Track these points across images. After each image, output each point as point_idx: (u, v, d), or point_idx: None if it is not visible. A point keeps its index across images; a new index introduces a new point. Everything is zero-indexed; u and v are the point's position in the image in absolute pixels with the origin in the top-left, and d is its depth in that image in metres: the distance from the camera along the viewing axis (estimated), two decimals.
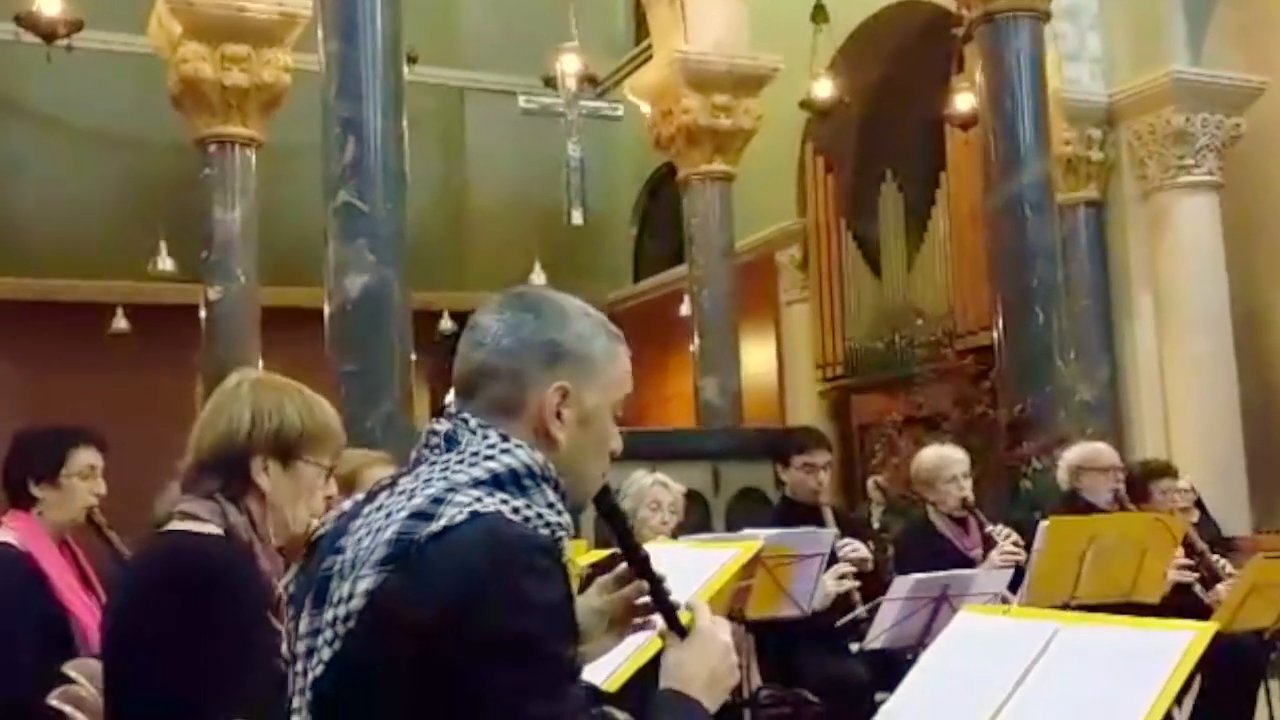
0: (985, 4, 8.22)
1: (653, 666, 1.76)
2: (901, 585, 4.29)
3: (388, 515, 1.53)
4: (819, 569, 4.37)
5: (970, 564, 4.85)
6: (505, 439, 1.60)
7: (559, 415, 1.64)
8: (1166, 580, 4.76)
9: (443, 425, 1.64)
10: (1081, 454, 5.54)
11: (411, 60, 8.11)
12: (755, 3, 11.33)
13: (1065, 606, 4.03)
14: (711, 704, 1.68)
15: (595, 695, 1.82)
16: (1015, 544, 4.83)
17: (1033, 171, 8.06)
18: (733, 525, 6.63)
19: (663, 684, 1.68)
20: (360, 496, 1.66)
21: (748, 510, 6.84)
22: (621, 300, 15.80)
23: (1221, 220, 10.01)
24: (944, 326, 11.88)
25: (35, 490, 3.34)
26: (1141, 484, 5.59)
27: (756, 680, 4.52)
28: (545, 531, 1.56)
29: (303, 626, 1.57)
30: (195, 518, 2.18)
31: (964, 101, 10.24)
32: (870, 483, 10.33)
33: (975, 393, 8.87)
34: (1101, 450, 5.59)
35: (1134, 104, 10.30)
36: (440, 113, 15.05)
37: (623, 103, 11.32)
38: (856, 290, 13.19)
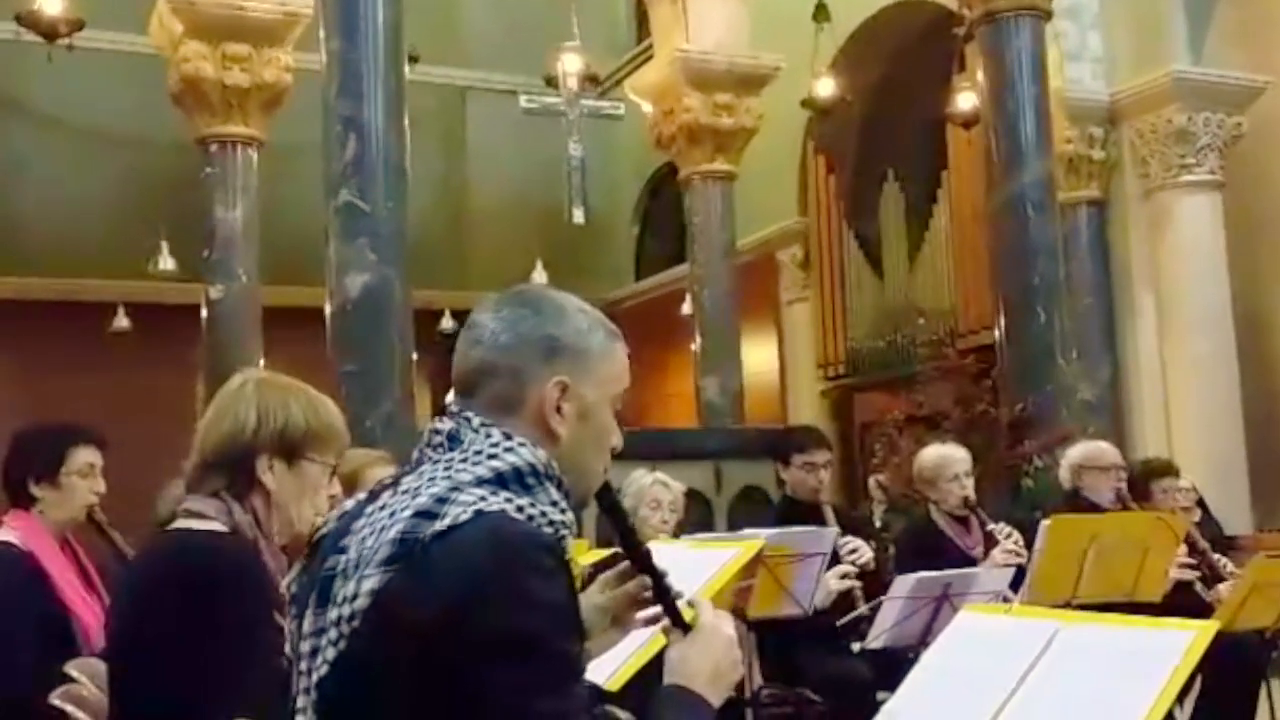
0: (986, 3, 8.22)
1: (653, 666, 1.77)
2: (903, 584, 4.28)
3: (392, 514, 1.53)
4: (820, 568, 4.37)
5: (972, 563, 4.85)
6: (508, 437, 1.60)
7: (559, 410, 1.64)
8: (1168, 579, 4.76)
9: (445, 424, 1.65)
10: (1083, 453, 5.54)
11: (413, 59, 8.10)
12: (756, 2, 11.33)
13: (1066, 606, 4.03)
14: (716, 699, 1.69)
15: (597, 695, 1.83)
16: (1016, 543, 4.82)
17: (1034, 170, 8.07)
18: (734, 524, 6.63)
19: (667, 679, 1.69)
20: (363, 496, 1.66)
21: (749, 509, 6.83)
22: (623, 299, 15.80)
23: (1223, 219, 10.01)
24: (945, 325, 11.89)
25: (35, 489, 3.34)
26: (1143, 483, 5.59)
27: (758, 679, 4.52)
28: (549, 530, 1.56)
29: (306, 626, 1.57)
30: (201, 516, 2.19)
31: (965, 101, 10.24)
32: (872, 481, 10.33)
33: (977, 392, 8.86)
34: (1104, 449, 5.59)
35: (1135, 103, 10.30)
36: (441, 112, 15.05)
37: (624, 102, 11.31)
38: (858, 289, 13.19)
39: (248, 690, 2.01)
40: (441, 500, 1.51)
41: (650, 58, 12.34)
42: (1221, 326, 9.80)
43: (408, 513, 1.51)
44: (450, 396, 1.73)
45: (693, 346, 11.03)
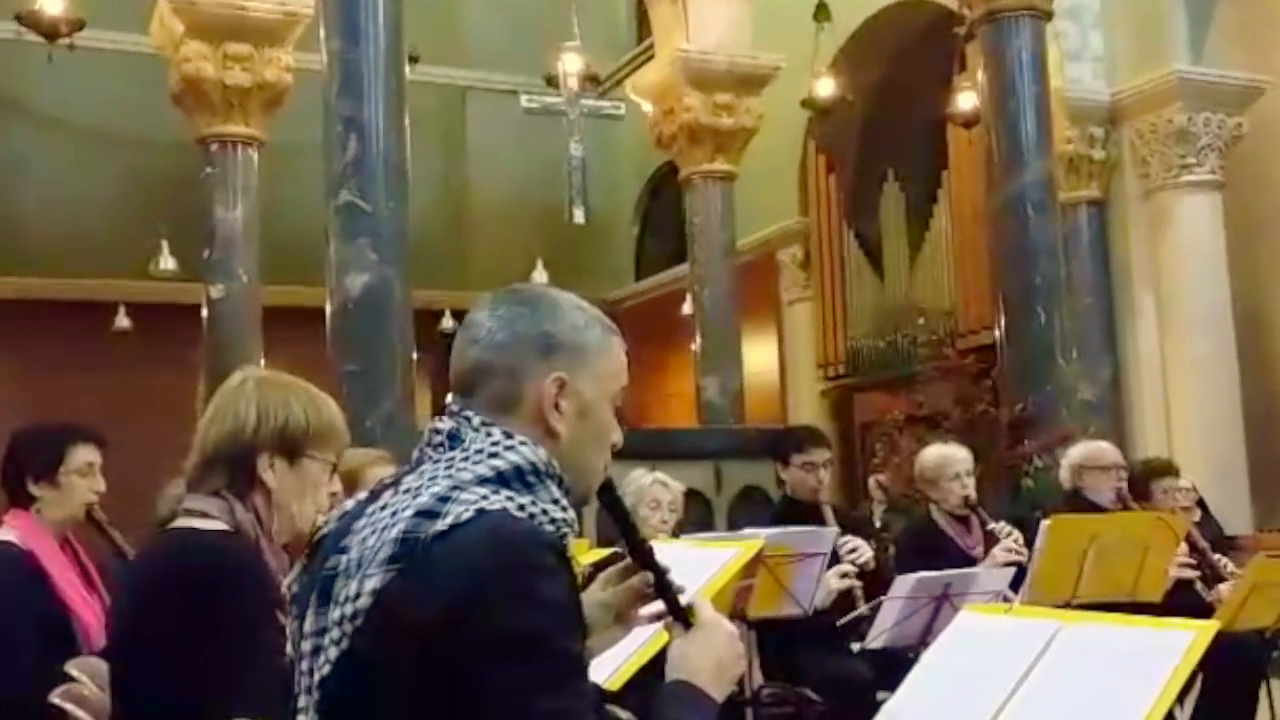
0: (987, 3, 8.22)
1: (653, 665, 1.77)
2: (903, 584, 4.28)
3: (393, 514, 1.53)
4: (821, 568, 4.37)
5: (972, 563, 4.85)
6: (509, 436, 1.60)
7: (557, 407, 1.64)
8: (1168, 579, 4.76)
9: (446, 423, 1.64)
10: (1084, 453, 5.54)
11: (413, 59, 8.11)
12: (757, 1, 11.33)
13: (1067, 606, 4.03)
14: (719, 694, 1.69)
15: (598, 694, 1.83)
16: (1016, 541, 4.82)
17: (1035, 170, 8.07)
18: (734, 524, 6.64)
19: (669, 675, 1.69)
20: (363, 495, 1.66)
21: (749, 509, 6.84)
22: (623, 299, 15.80)
23: (1223, 219, 10.01)
24: (946, 325, 11.90)
25: (34, 489, 3.33)
26: (1143, 483, 5.59)
27: (758, 679, 4.52)
28: (551, 528, 1.56)
29: (308, 625, 1.58)
30: (202, 515, 2.19)
31: (966, 100, 10.24)
32: (872, 481, 10.33)
33: (977, 391, 8.85)
34: (1104, 449, 5.58)
35: (1136, 103, 10.30)
36: (442, 112, 15.05)
37: (624, 102, 11.32)
38: (858, 289, 13.19)
39: (249, 689, 2.01)
40: (443, 499, 1.51)
41: (651, 58, 12.34)
42: (1222, 326, 9.80)
43: (409, 512, 1.51)
44: (450, 396, 1.73)
45: (693, 346, 11.03)
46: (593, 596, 1.87)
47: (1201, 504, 7.00)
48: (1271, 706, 4.97)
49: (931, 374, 9.80)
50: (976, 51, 8.72)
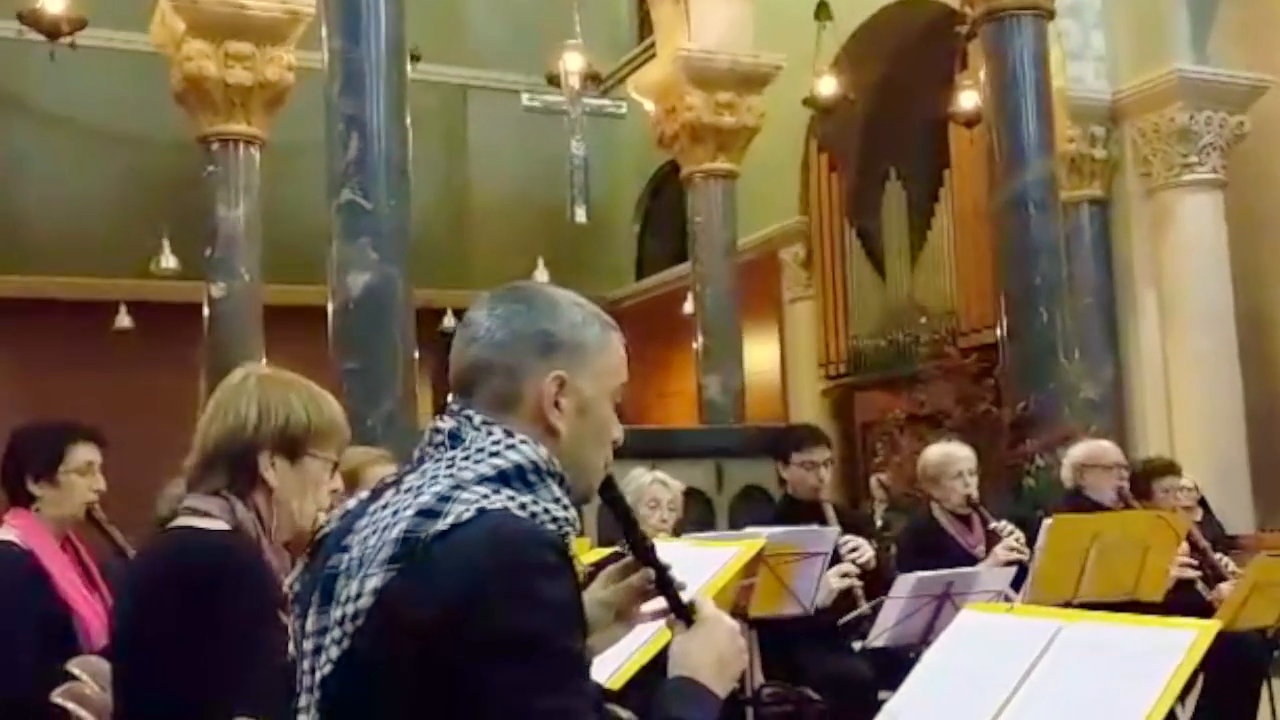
0: (989, 2, 8.21)
1: (654, 664, 1.76)
2: (904, 583, 4.28)
3: (394, 513, 1.53)
4: (822, 567, 4.37)
5: (973, 561, 4.85)
6: (510, 435, 1.60)
7: (557, 405, 1.64)
8: (1169, 579, 4.75)
9: (446, 423, 1.64)
10: (1086, 452, 5.54)
11: (415, 58, 8.11)
12: (759, 0, 11.33)
13: (1068, 605, 4.02)
14: (721, 689, 1.69)
15: (599, 693, 1.82)
16: (1018, 540, 4.82)
17: (1036, 169, 8.06)
18: (735, 523, 6.64)
19: (671, 672, 1.69)
20: (364, 495, 1.65)
21: (750, 508, 6.84)
22: (624, 298, 15.80)
23: (1225, 218, 10.00)
24: (947, 324, 11.89)
25: (34, 488, 3.33)
26: (1144, 482, 5.59)
27: (759, 678, 4.52)
28: (552, 527, 1.56)
29: (309, 625, 1.57)
30: (203, 514, 2.18)
31: (968, 99, 10.23)
32: (873, 480, 10.33)
33: (978, 391, 8.85)
34: (1106, 448, 5.58)
35: (1138, 102, 10.29)
36: (443, 110, 15.04)
37: (626, 100, 11.33)
38: (860, 288, 13.18)
39: (250, 689, 2.01)
40: (444, 499, 1.51)
41: (652, 56, 12.35)
42: (1223, 325, 9.79)
43: (410, 511, 1.51)
44: (451, 395, 1.73)
45: (694, 345, 11.03)
46: (594, 594, 1.86)
47: (1203, 503, 6.99)
48: (1273, 706, 4.97)
49: (933, 373, 9.79)
50: (978, 50, 8.72)
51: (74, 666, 2.84)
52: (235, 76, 9.12)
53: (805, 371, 13.77)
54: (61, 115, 13.42)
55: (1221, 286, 9.87)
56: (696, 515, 6.36)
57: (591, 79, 10.51)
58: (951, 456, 5.15)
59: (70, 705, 2.69)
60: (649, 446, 5.86)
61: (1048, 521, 4.52)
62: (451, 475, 1.55)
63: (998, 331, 8.27)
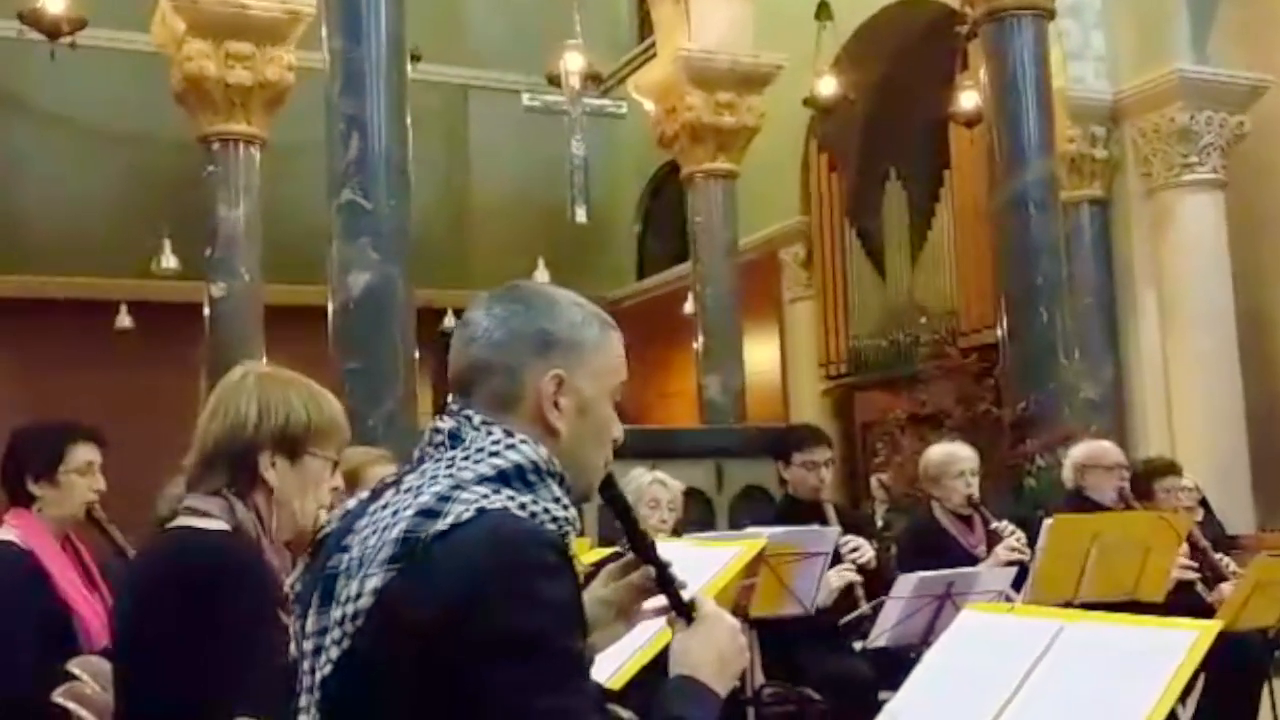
0: (989, 2, 8.21)
1: (654, 664, 1.76)
2: (905, 583, 4.28)
3: (394, 513, 1.53)
4: (823, 567, 4.37)
5: (974, 562, 4.85)
6: (509, 435, 1.60)
7: (556, 404, 1.64)
8: (1170, 579, 4.75)
9: (446, 423, 1.64)
10: (1087, 452, 5.54)
11: (415, 58, 8.11)
12: (759, 0, 11.33)
13: (1069, 605, 4.02)
14: (722, 687, 1.68)
15: (600, 693, 1.82)
16: (1019, 540, 4.82)
17: (1037, 169, 8.06)
18: (736, 523, 6.64)
19: (672, 670, 1.68)
20: (365, 495, 1.65)
21: (751, 508, 6.84)
22: (625, 298, 15.80)
23: (1225, 218, 10.00)
24: (948, 324, 11.88)
25: (34, 488, 3.32)
26: (1145, 482, 5.58)
27: (760, 678, 4.52)
28: (552, 526, 1.56)
29: (309, 625, 1.57)
30: (203, 514, 2.17)
31: (968, 99, 10.22)
32: (874, 481, 10.32)
33: (979, 391, 8.85)
34: (1107, 448, 5.58)
35: (1138, 102, 10.29)
36: (444, 110, 15.04)
37: (626, 100, 11.32)
38: (860, 288, 13.18)
39: (250, 689, 2.00)
40: (444, 499, 1.51)
41: (652, 56, 12.35)
42: (1224, 325, 9.79)
43: (410, 511, 1.51)
44: (450, 396, 1.72)
45: (694, 345, 11.03)
46: (594, 593, 1.86)
47: (1204, 503, 6.98)
48: (1274, 706, 4.96)
49: (933, 373, 9.79)
50: (978, 50, 8.72)
51: (75, 666, 2.84)
52: (236, 76, 9.12)
53: (806, 371, 13.76)
54: (62, 115, 13.42)
55: (1222, 286, 9.87)
56: (697, 515, 6.37)
57: (592, 79, 10.51)
58: (954, 456, 5.15)
59: (71, 705, 2.69)
60: (650, 446, 5.87)
61: (1048, 522, 4.52)
62: (451, 475, 1.55)
63: (998, 331, 8.27)
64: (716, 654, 1.69)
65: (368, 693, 1.49)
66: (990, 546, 4.93)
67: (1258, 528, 9.34)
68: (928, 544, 5.02)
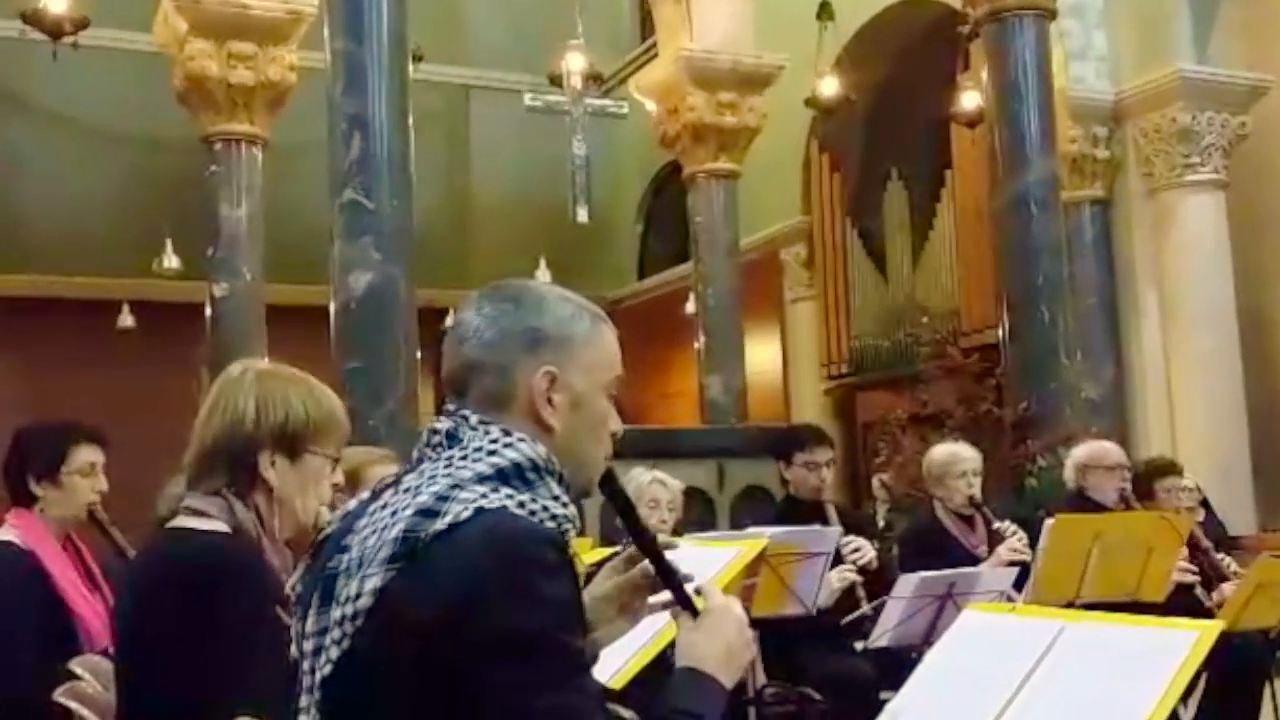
0: (991, 2, 8.21)
1: (656, 663, 1.76)
2: (906, 584, 4.28)
3: (394, 513, 1.53)
4: (824, 567, 4.37)
5: (976, 562, 4.85)
6: (507, 433, 1.60)
7: (550, 401, 1.64)
8: (1171, 580, 4.75)
9: (444, 423, 1.64)
10: (1088, 452, 5.54)
11: (417, 58, 8.12)
12: (760, 0, 11.32)
13: (1070, 605, 4.02)
14: (729, 679, 1.68)
15: (601, 692, 1.82)
16: (1021, 540, 4.82)
17: (1038, 169, 8.06)
18: (737, 523, 6.64)
19: (678, 663, 1.68)
20: (365, 495, 1.65)
21: (752, 508, 6.84)
22: (626, 298, 15.81)
23: (1227, 218, 10.00)
24: (949, 324, 11.87)
25: (36, 488, 3.32)
26: (1146, 482, 5.58)
27: (761, 678, 4.52)
28: (551, 525, 1.56)
29: (310, 625, 1.57)
30: (202, 514, 2.16)
31: (969, 99, 10.23)
32: (875, 481, 10.33)
33: (980, 391, 8.84)
34: (1108, 449, 5.58)
35: (1140, 102, 10.28)
36: (446, 110, 15.05)
37: (628, 101, 11.32)
38: (861, 288, 13.17)
39: (250, 689, 2.00)
40: (443, 498, 1.51)
41: (654, 56, 12.34)
42: (1225, 325, 9.79)
43: (409, 511, 1.51)
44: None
45: (696, 345, 11.03)
46: (597, 589, 1.86)
47: (1205, 503, 6.98)
48: (1275, 706, 4.96)
49: (934, 373, 9.79)
50: (980, 51, 8.72)
51: (76, 666, 2.84)
52: (238, 76, 9.12)
53: (807, 371, 13.76)
54: (64, 115, 13.42)
55: (1223, 286, 9.86)
56: (698, 515, 6.37)
57: (593, 79, 10.51)
58: (957, 456, 5.16)
59: (73, 705, 2.69)
60: (651, 446, 5.87)
61: (1050, 522, 4.52)
62: (450, 475, 1.55)
63: (999, 331, 8.27)
64: (724, 646, 1.68)
65: (368, 693, 1.49)
66: (992, 547, 4.93)
67: (1259, 528, 9.34)
68: (929, 544, 5.02)
